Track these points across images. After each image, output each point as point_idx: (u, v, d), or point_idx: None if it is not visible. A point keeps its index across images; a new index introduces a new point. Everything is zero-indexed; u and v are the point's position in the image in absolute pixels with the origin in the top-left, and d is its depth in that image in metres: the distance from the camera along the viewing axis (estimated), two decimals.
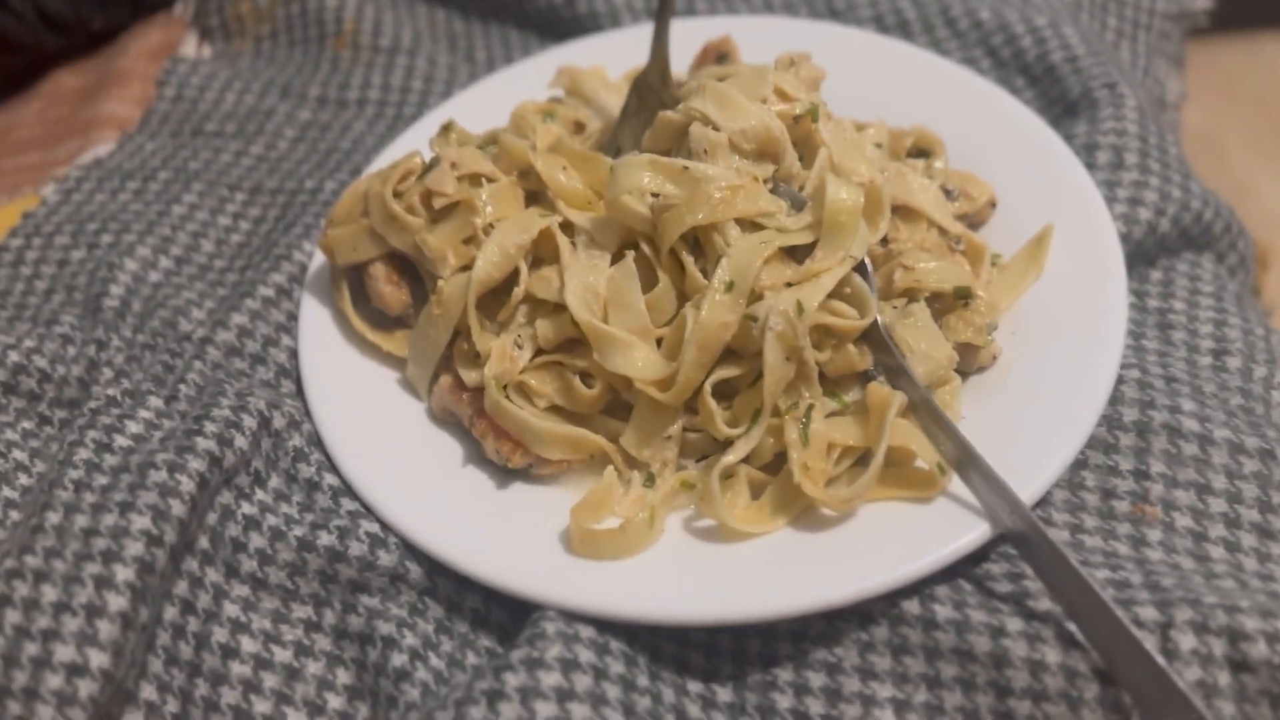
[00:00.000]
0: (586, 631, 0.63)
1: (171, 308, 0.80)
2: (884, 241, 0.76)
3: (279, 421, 0.73)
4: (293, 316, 0.80)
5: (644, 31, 0.93)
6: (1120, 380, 0.72)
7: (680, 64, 0.91)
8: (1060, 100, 0.90)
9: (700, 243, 0.71)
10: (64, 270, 0.85)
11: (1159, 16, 1.03)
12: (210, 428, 0.69)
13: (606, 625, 0.64)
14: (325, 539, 0.68)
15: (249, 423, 0.71)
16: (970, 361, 0.72)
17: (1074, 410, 0.68)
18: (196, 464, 0.67)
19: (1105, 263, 0.75)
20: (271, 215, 0.89)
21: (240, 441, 0.70)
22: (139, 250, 0.85)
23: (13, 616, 0.62)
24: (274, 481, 0.71)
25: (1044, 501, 0.69)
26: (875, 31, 0.98)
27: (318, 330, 0.78)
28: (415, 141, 0.87)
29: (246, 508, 0.70)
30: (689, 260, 0.71)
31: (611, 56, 0.93)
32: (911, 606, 0.64)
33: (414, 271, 0.77)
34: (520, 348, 0.73)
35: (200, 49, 1.08)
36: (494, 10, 1.09)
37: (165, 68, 1.03)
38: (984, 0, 0.98)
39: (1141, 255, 0.81)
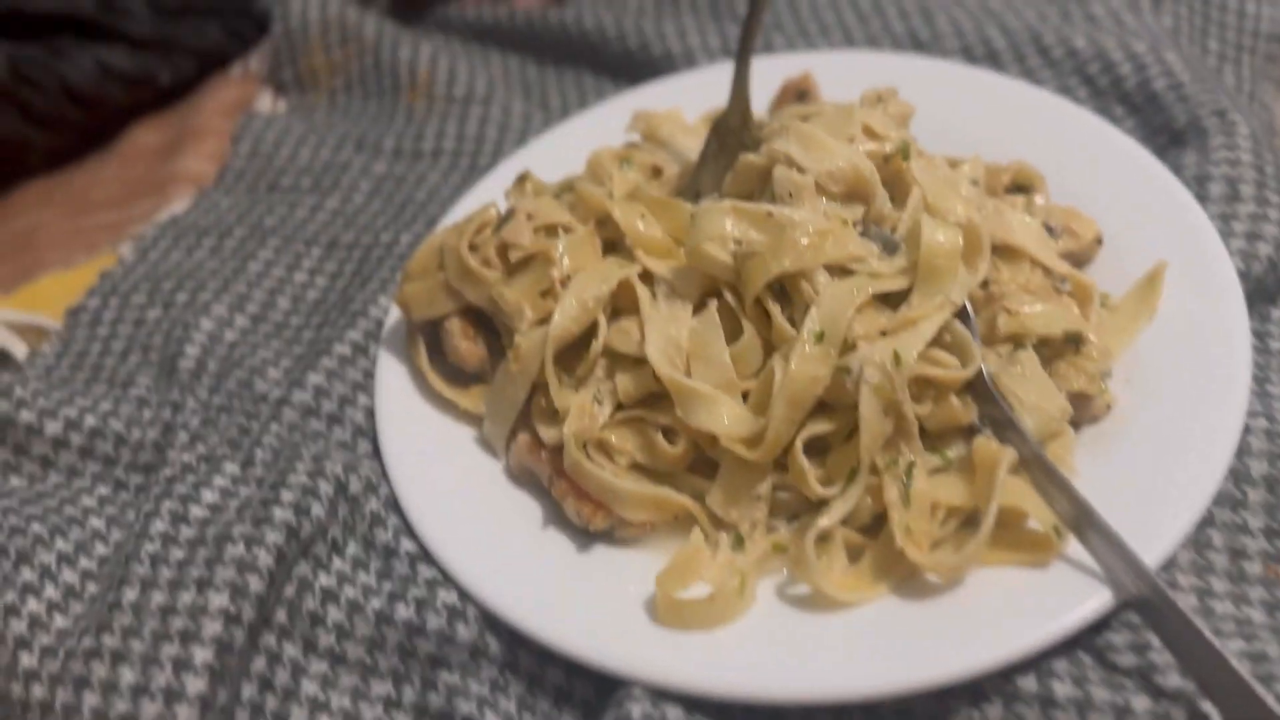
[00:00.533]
0: (674, 713, 0.59)
1: (247, 367, 0.79)
2: (985, 284, 0.71)
3: (355, 486, 0.70)
4: (369, 374, 0.78)
5: (720, 72, 0.90)
6: (1246, 430, 0.67)
7: (759, 103, 0.88)
8: (1164, 129, 0.85)
9: (787, 291, 0.68)
10: (140, 330, 0.84)
11: (1263, 39, 0.97)
12: (287, 496, 0.67)
13: (695, 702, 0.60)
14: (403, 612, 0.65)
15: (325, 489, 0.69)
16: (1084, 412, 0.67)
17: (1198, 465, 0.63)
18: (274, 536, 0.66)
19: (1224, 302, 0.70)
20: (348, 270, 0.88)
21: (317, 510, 0.68)
22: (214, 309, 0.84)
23: (91, 700, 0.60)
24: (351, 549, 0.69)
25: (1168, 564, 0.64)
26: (963, 62, 0.94)
27: (394, 387, 0.76)
28: (491, 192, 0.85)
29: (324, 579, 0.68)
30: (775, 309, 0.67)
31: (688, 99, 0.91)
32: (1028, 683, 0.59)
33: (491, 326, 0.75)
34: (600, 403, 0.70)
35: (275, 103, 1.08)
36: (568, 56, 1.08)
37: (240, 123, 1.03)
38: (1078, 27, 0.93)
39: (1261, 293, 0.75)
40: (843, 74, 0.89)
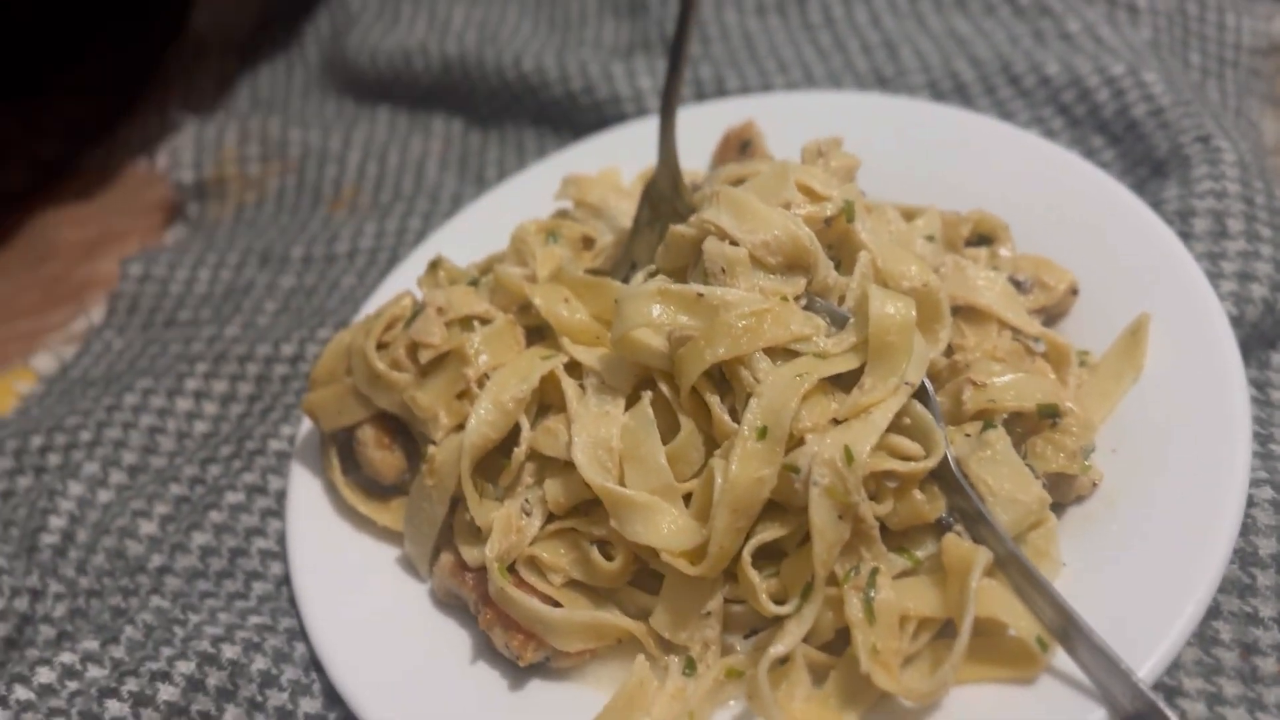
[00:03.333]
0: None
1: (119, 532, 0.71)
2: (947, 352, 0.64)
3: (231, 651, 0.63)
4: (268, 513, 0.71)
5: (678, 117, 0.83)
6: (1250, 502, 0.59)
7: (704, 152, 0.82)
8: (1145, 160, 0.78)
9: (727, 378, 0.61)
10: (6, 504, 0.75)
11: (1246, 52, 0.90)
12: (133, 685, 0.60)
13: None
14: None
15: (184, 668, 0.61)
16: (1065, 493, 0.60)
17: (1197, 548, 0.55)
18: None
19: (1216, 353, 0.62)
20: (243, 393, 0.80)
21: (167, 693, 0.60)
22: (86, 467, 0.75)
23: None
24: (229, 716, 0.61)
25: (1172, 665, 0.56)
26: (929, 98, 0.87)
27: (307, 507, 0.69)
28: (406, 281, 0.77)
29: None
30: (714, 401, 0.60)
31: (630, 152, 0.84)
32: None
33: (409, 433, 0.68)
34: (529, 515, 0.63)
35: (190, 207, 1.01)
36: (507, 106, 1.01)
37: (130, 259, 0.93)
38: (1051, 48, 0.86)
39: (1258, 338, 0.68)
40: (791, 117, 0.82)
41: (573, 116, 0.98)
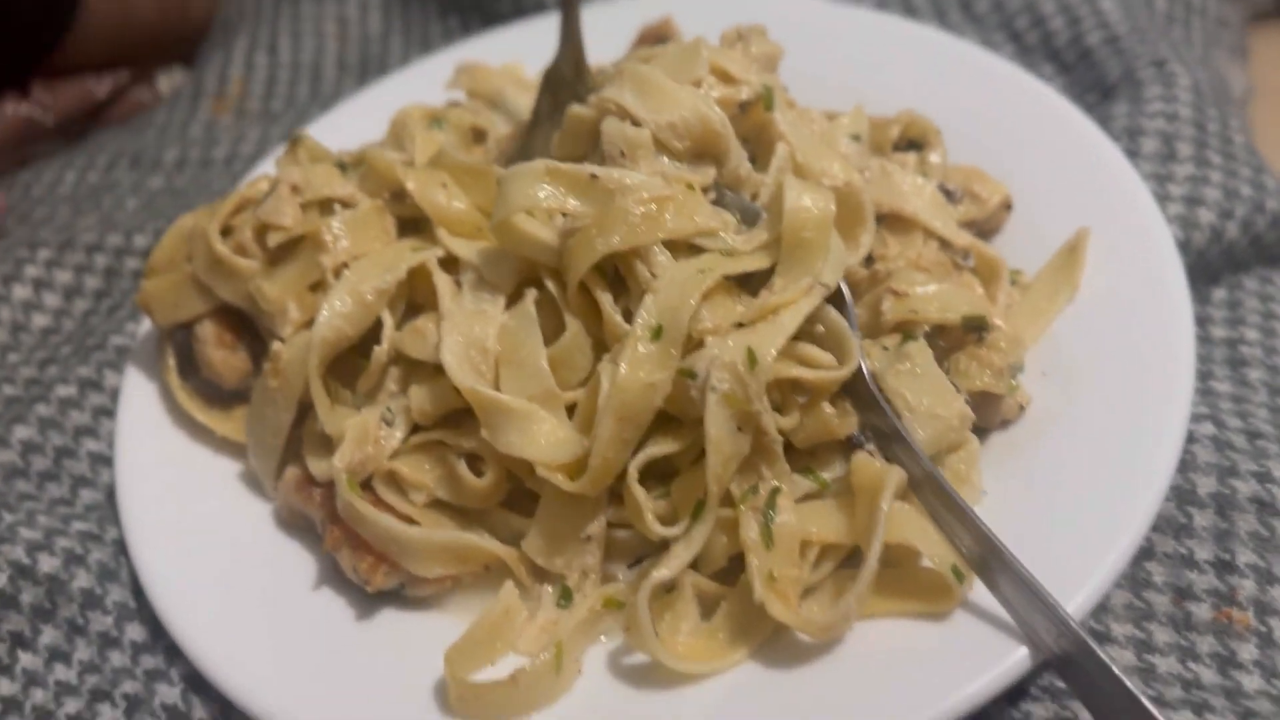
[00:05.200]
0: None
1: None
2: (868, 261, 0.58)
3: (50, 563, 0.55)
4: (101, 412, 0.63)
5: (594, 13, 0.75)
6: (1190, 438, 0.54)
7: (619, 52, 0.74)
8: (1096, 86, 0.73)
9: (621, 275, 0.53)
10: None
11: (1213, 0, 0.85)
12: None
13: None
14: (108, 715, 0.50)
15: None
16: (990, 416, 0.54)
17: (1132, 481, 0.50)
18: None
19: (1160, 276, 0.57)
20: (89, 287, 0.71)
21: None
22: None
23: None
24: (46, 639, 0.54)
25: (1100, 608, 0.51)
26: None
27: (139, 414, 0.60)
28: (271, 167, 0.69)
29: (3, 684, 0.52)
30: (606, 299, 0.53)
31: (540, 46, 0.76)
32: None
33: (256, 331, 0.59)
34: (390, 425, 0.55)
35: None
36: None
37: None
38: None
39: (1202, 269, 0.63)
40: (715, 18, 0.75)
41: (485, 6, 0.90)
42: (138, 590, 0.56)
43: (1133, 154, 0.65)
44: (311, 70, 0.91)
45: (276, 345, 0.56)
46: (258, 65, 0.91)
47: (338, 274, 0.56)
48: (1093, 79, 0.73)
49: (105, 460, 0.61)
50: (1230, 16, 0.87)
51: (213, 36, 0.93)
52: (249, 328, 0.59)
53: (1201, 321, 0.63)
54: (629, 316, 0.52)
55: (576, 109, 0.58)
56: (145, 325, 0.65)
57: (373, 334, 0.56)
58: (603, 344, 0.54)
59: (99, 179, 0.81)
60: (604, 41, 0.71)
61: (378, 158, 0.60)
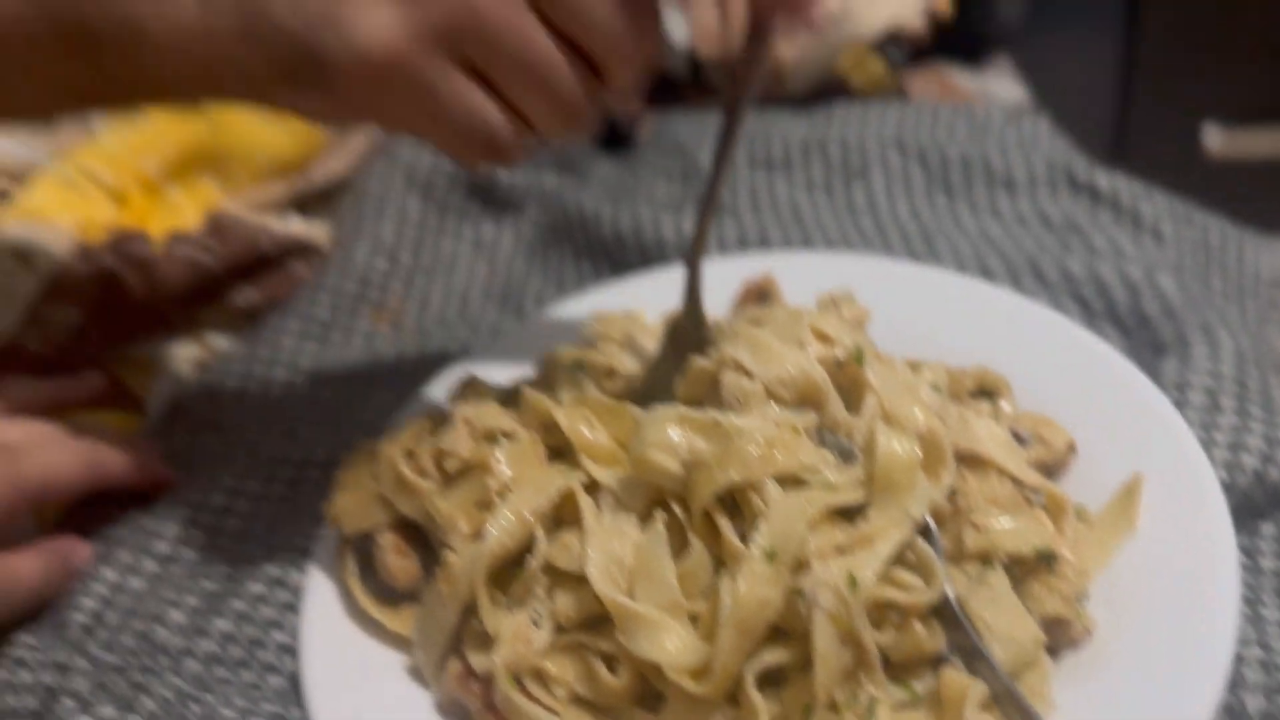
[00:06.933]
0: None
1: (148, 616, 0.72)
2: (950, 495, 0.67)
3: None
4: (287, 606, 0.73)
5: (705, 267, 0.88)
6: (1239, 660, 0.61)
7: (726, 300, 0.86)
8: (1150, 344, 0.83)
9: (738, 504, 0.63)
10: None
11: (1265, 284, 0.96)
12: None
13: None
14: None
15: None
16: (1061, 638, 0.62)
17: (1186, 700, 0.57)
18: None
19: (1208, 515, 0.65)
20: (275, 493, 0.82)
21: None
22: (119, 554, 0.76)
23: None
24: None
25: None
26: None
27: (321, 609, 0.70)
28: (438, 397, 0.81)
29: None
30: (725, 524, 0.63)
31: (660, 294, 0.88)
32: None
33: (428, 542, 0.70)
34: (538, 626, 0.64)
35: None
36: (557, 239, 1.07)
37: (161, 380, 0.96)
38: (1076, 255, 0.92)
39: (1249, 508, 0.71)
40: (807, 275, 0.87)
41: (615, 255, 1.04)
42: None
43: (1181, 404, 0.74)
44: (461, 296, 1.04)
45: (449, 555, 0.66)
46: (417, 284, 1.05)
47: (501, 495, 0.67)
48: (1148, 339, 0.83)
49: (290, 650, 0.70)
50: (1279, 297, 0.97)
51: (363, 230, 1.06)
52: (421, 537, 0.70)
53: (1250, 553, 0.70)
54: (744, 538, 0.62)
55: (699, 362, 0.70)
56: (324, 530, 0.75)
57: (525, 546, 0.66)
58: (722, 561, 0.63)
59: (281, 391, 0.94)
60: (716, 290, 0.84)
61: (533, 397, 0.71)
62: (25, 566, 0.72)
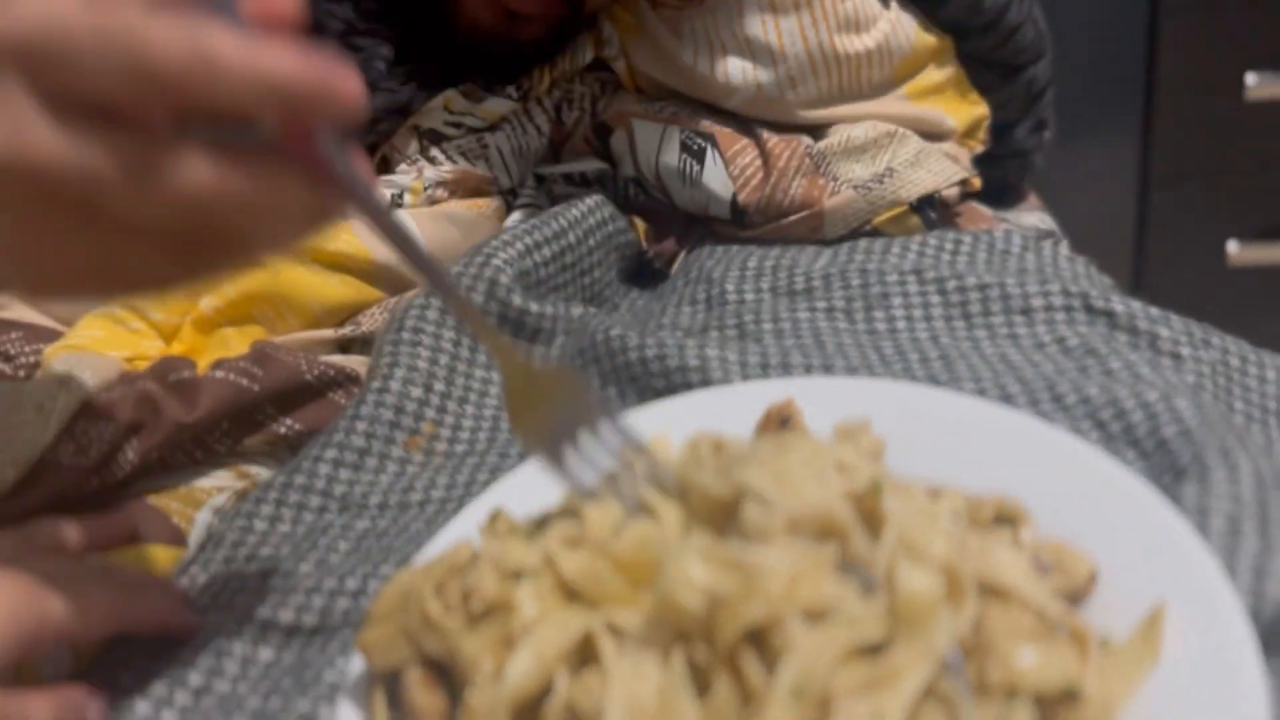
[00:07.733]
0: None
1: None
2: (973, 627, 0.67)
3: None
4: None
5: (729, 392, 0.92)
6: None
7: (749, 423, 0.88)
8: (1169, 468, 0.83)
9: (762, 637, 0.64)
10: None
11: None
12: None
13: None
14: None
15: None
16: None
17: None
18: None
19: (1233, 644, 0.65)
20: (307, 622, 0.83)
21: None
22: (154, 686, 0.77)
23: None
24: None
25: None
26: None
27: None
28: (468, 527, 0.83)
29: None
30: (750, 661, 0.63)
31: (684, 420, 0.90)
32: None
33: (451, 676, 0.71)
34: None
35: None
36: (584, 366, 1.09)
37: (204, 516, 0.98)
38: (1094, 379, 0.93)
39: (1275, 636, 0.70)
40: (828, 400, 0.89)
41: (640, 381, 1.06)
42: None
43: (1203, 530, 0.74)
44: (492, 422, 1.07)
45: (470, 694, 0.67)
46: (449, 411, 1.07)
47: (524, 633, 0.68)
48: (1167, 463, 0.83)
49: None
50: None
51: (399, 359, 1.07)
52: (446, 673, 0.71)
53: (1277, 681, 0.69)
54: (769, 674, 0.62)
55: (719, 489, 0.71)
56: (354, 662, 0.76)
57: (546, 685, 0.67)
58: (745, 698, 0.63)
59: (314, 519, 0.96)
60: (738, 415, 0.86)
61: (554, 539, 0.73)
62: (38, 711, 0.72)
